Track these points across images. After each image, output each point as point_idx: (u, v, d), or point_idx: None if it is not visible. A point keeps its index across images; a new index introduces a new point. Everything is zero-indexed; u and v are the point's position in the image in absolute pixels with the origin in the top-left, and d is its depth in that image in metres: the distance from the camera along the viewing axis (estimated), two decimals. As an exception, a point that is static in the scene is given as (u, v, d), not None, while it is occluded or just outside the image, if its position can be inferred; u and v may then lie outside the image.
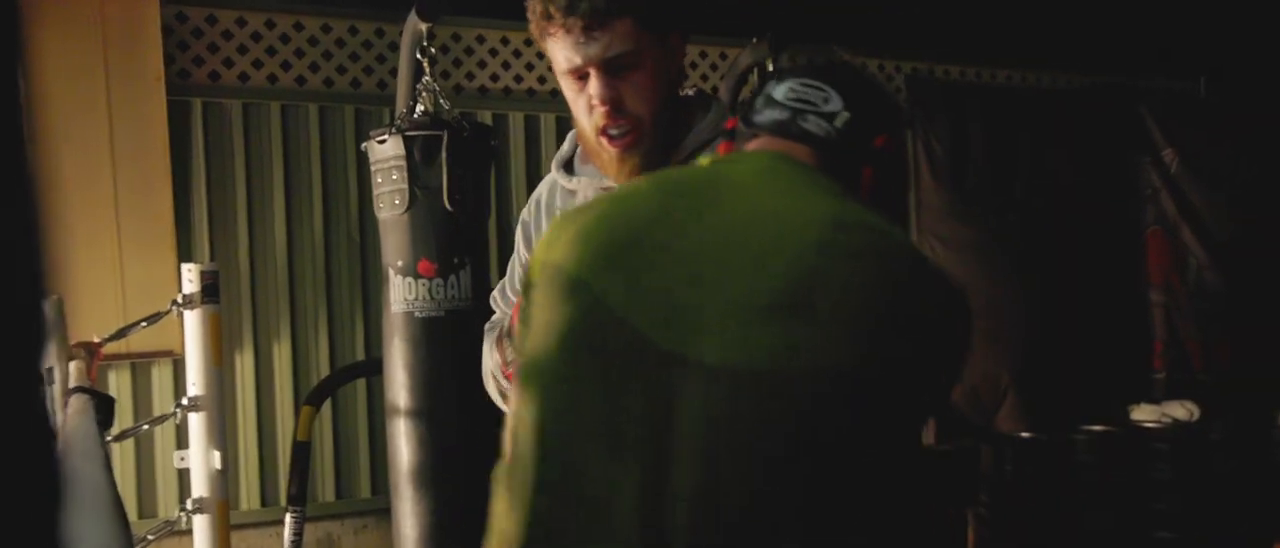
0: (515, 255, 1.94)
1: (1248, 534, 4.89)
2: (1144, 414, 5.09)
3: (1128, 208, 5.44)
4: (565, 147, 1.85)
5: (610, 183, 1.71)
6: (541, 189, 1.88)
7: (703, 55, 4.66)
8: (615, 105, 1.65)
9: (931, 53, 5.08)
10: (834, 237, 1.20)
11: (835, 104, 1.35)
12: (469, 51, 4.25)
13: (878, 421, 1.17)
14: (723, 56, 4.63)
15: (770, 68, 3.92)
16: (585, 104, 1.66)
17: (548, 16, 1.61)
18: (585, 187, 1.77)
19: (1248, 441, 5.09)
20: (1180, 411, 5.09)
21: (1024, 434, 4.83)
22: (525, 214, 1.90)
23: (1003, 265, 4.86)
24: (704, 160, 1.43)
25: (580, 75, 1.64)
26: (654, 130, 1.67)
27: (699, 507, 1.13)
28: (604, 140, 1.66)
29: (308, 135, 4.01)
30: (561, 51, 1.63)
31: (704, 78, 4.63)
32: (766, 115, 1.37)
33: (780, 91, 1.37)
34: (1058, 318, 4.99)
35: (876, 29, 4.78)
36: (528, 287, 1.32)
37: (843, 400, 1.15)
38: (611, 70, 1.63)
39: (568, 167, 1.83)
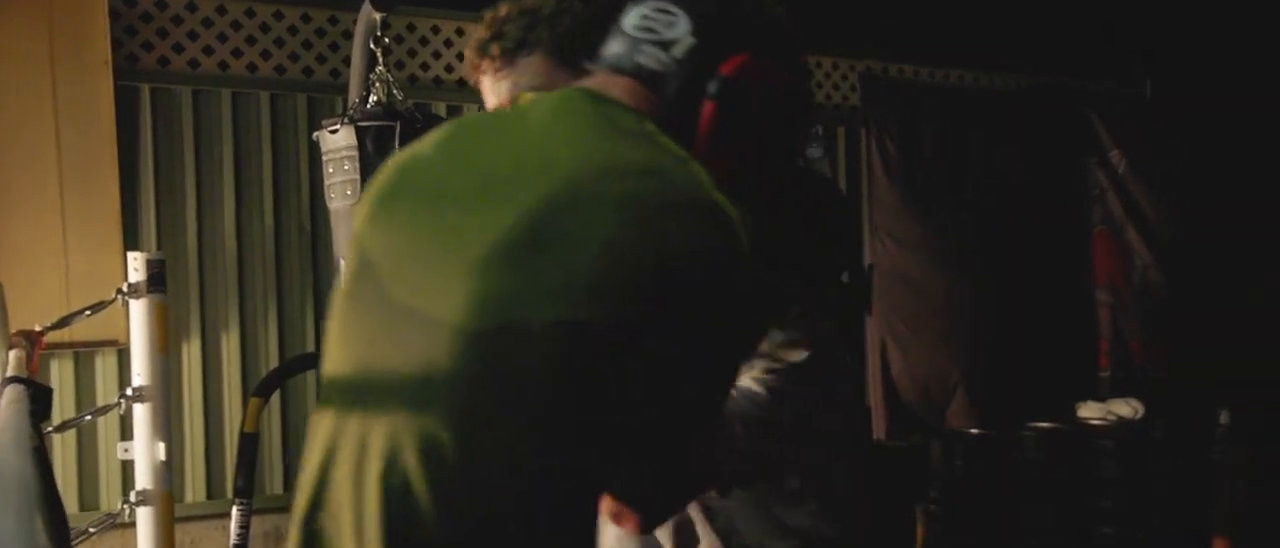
0: None
1: (1189, 530, 4.98)
2: (1090, 412, 5.17)
3: (1075, 208, 5.52)
4: None
5: None
6: None
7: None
8: None
9: (885, 52, 5.11)
10: (595, 185, 1.05)
11: (679, 29, 1.18)
12: (423, 42, 4.22)
13: (595, 389, 1.01)
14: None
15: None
16: None
17: (474, 57, 1.63)
18: None
19: (1190, 438, 5.18)
20: (1125, 408, 5.17)
21: (973, 431, 4.88)
22: None
23: (953, 264, 4.91)
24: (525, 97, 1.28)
25: None
26: None
27: (424, 461, 1.01)
28: None
29: (259, 123, 3.96)
30: (485, 92, 1.63)
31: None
32: (609, 49, 1.22)
33: (630, 20, 1.21)
34: (1007, 316, 5.05)
35: (830, 28, 4.80)
36: None
37: (552, 361, 1.00)
38: None
39: None
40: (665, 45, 1.17)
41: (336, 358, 1.13)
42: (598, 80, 1.19)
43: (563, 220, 1.03)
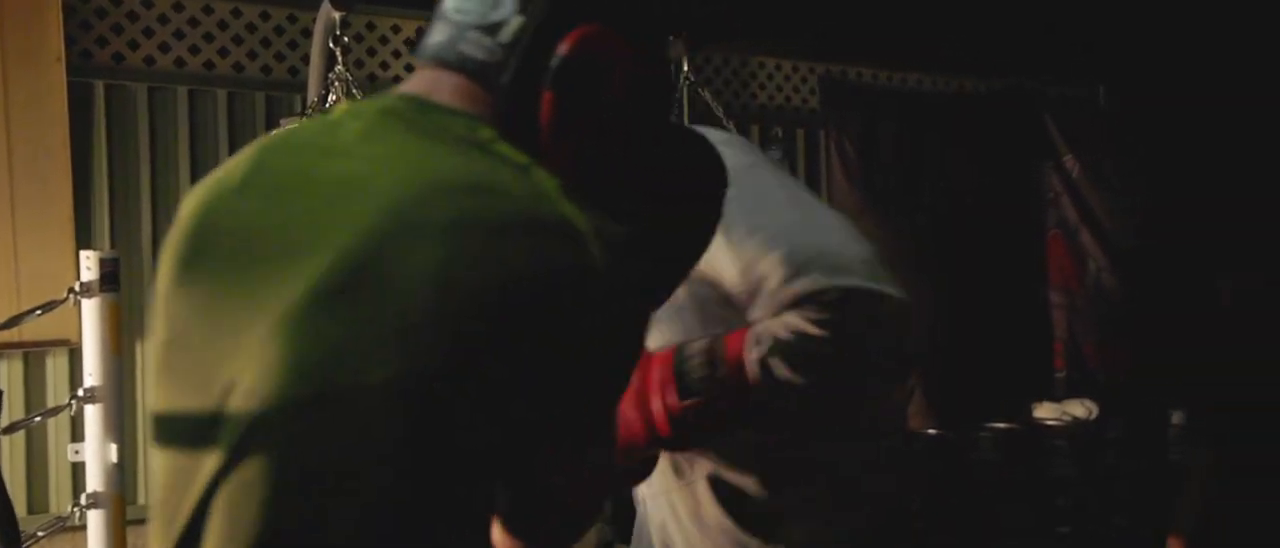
0: None
1: (1143, 529, 5.05)
2: (1045, 412, 5.22)
3: (1030, 211, 5.57)
4: None
5: None
6: None
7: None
8: None
9: (845, 55, 5.15)
10: (419, 211, 0.90)
11: (505, 8, 0.99)
12: (383, 41, 4.20)
13: (443, 438, 0.88)
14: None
15: (685, 68, 3.93)
16: None
17: None
18: None
19: (1144, 438, 5.25)
20: (1079, 409, 5.23)
21: (931, 432, 4.92)
22: None
23: (912, 265, 4.94)
24: (340, 108, 1.08)
25: None
26: None
27: None
28: None
29: (215, 121, 3.92)
30: None
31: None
32: (430, 38, 1.04)
33: (451, 1, 1.03)
34: (964, 318, 5.09)
35: (789, 31, 4.82)
36: None
37: (388, 422, 0.86)
38: None
39: None
40: (490, 29, 0.99)
41: (153, 434, 1.01)
42: (422, 79, 1.03)
43: (385, 256, 0.89)
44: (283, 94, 4.00)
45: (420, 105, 0.99)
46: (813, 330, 1.37)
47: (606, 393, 0.99)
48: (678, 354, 1.44)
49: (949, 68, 5.50)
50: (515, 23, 0.99)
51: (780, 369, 1.39)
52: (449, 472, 0.88)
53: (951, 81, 5.55)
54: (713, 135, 1.42)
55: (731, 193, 1.28)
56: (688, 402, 1.42)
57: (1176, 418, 5.30)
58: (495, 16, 0.99)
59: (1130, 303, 5.53)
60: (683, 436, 1.45)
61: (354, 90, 3.02)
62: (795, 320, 1.38)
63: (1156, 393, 5.29)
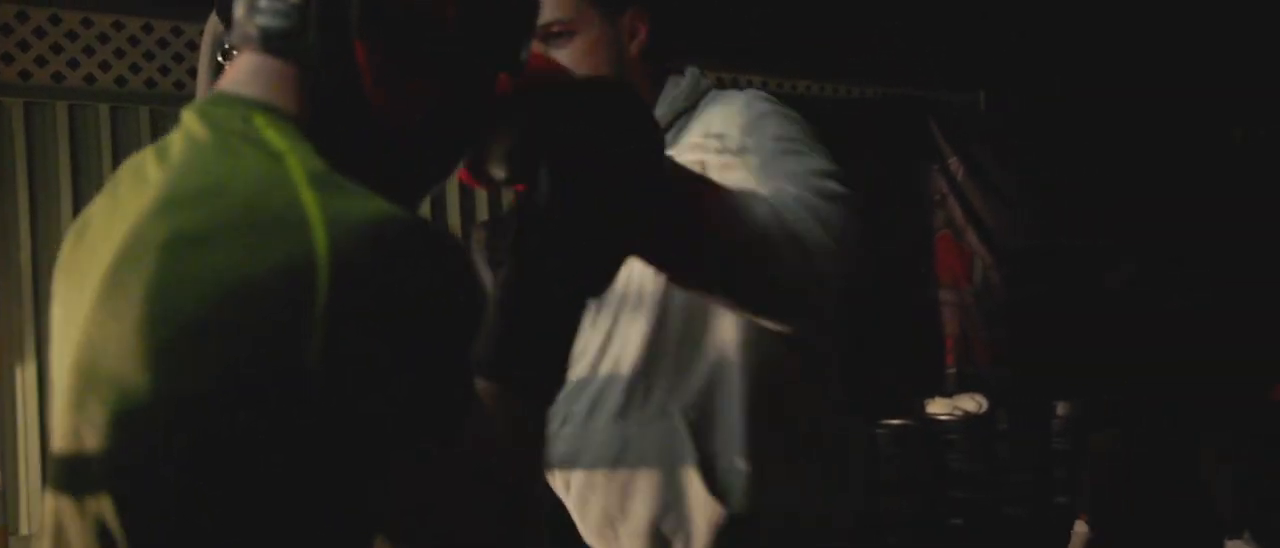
0: None
1: (1032, 516, 5.20)
2: (938, 407, 5.34)
3: (919, 213, 5.70)
4: None
5: None
6: None
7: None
8: None
9: (737, 63, 5.19)
10: (148, 226, 0.84)
11: None
12: (271, 52, 4.13)
13: (214, 473, 0.79)
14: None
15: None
16: None
17: None
18: None
19: (1031, 429, 5.40)
20: (970, 403, 5.36)
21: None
22: None
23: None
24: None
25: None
26: None
27: None
28: None
29: (97, 136, 3.81)
30: None
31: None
32: (233, 18, 0.93)
33: None
34: (858, 318, 5.16)
35: (681, 40, 4.86)
36: None
37: (149, 465, 0.79)
38: (546, 38, 1.58)
39: None
40: None
41: None
42: (229, 70, 0.93)
43: (121, 278, 0.83)
44: (169, 109, 3.91)
45: (212, 100, 0.91)
46: None
47: (413, 387, 0.82)
48: None
49: (836, 75, 5.60)
50: None
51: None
52: (230, 490, 0.79)
53: (839, 88, 5.65)
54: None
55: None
56: None
57: (1061, 409, 5.46)
58: None
59: (1015, 299, 5.68)
60: None
61: (243, 101, 2.97)
62: None
63: (1041, 385, 5.44)
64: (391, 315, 0.79)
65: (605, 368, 1.63)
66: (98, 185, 3.58)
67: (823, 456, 1.65)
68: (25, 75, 3.71)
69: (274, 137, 0.85)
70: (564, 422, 1.65)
